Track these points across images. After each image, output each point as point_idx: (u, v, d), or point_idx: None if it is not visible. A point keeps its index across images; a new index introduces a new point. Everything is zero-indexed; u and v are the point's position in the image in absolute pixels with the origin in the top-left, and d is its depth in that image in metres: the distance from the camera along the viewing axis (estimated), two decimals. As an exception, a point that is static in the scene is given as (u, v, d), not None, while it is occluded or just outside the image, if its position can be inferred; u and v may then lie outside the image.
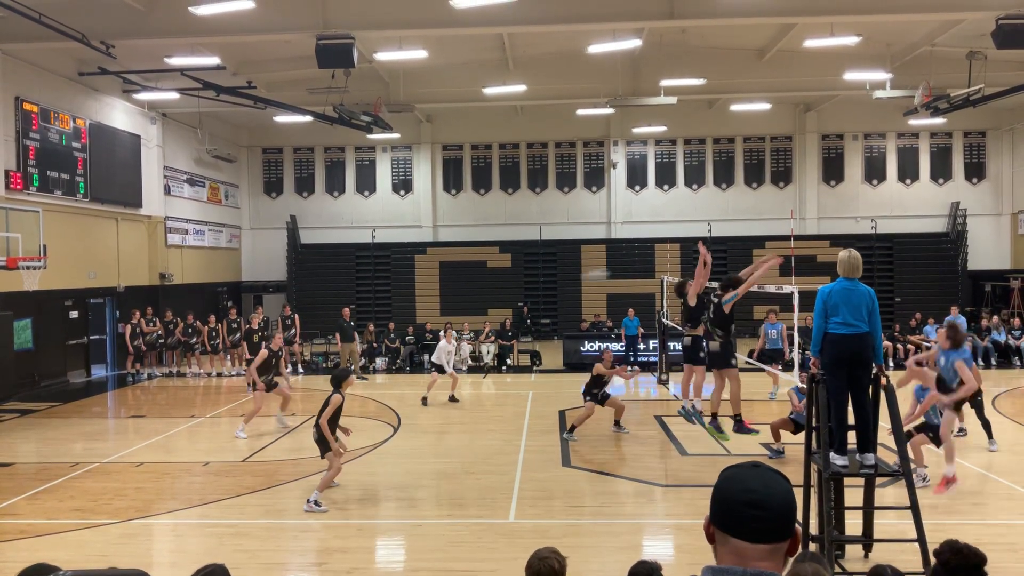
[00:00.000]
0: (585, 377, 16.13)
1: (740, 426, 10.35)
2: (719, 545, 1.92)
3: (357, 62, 17.11)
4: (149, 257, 24.00)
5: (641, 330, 21.73)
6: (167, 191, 24.91)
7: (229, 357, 21.68)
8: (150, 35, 17.18)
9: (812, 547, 7.28)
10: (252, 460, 11.73)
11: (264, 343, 15.76)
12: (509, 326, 23.15)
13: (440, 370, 16.55)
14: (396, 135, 26.33)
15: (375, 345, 22.50)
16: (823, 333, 7.03)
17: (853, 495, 7.58)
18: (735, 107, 26.84)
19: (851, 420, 7.14)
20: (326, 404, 9.39)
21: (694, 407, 11.09)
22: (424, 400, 16.12)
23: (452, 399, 16.37)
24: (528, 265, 29.42)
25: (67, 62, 19.78)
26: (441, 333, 17.91)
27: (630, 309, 22.20)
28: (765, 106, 26.44)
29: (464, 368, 21.39)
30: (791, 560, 2.04)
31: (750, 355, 19.46)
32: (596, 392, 13.08)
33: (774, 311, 15.71)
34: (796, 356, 9.93)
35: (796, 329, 10.02)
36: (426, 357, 22.43)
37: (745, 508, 1.86)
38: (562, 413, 14.92)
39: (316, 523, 8.84)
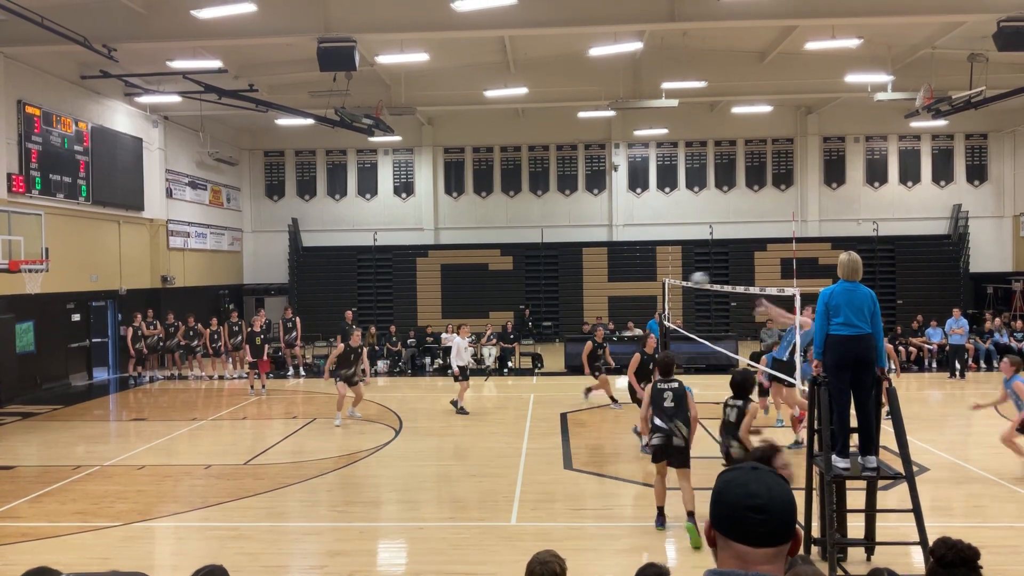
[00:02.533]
0: (587, 380, 16.14)
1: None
2: (721, 550, 1.91)
3: (358, 65, 17.12)
4: (151, 260, 24.03)
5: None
6: (169, 194, 24.94)
7: (231, 360, 21.69)
8: (152, 38, 17.21)
9: (815, 550, 7.28)
10: (254, 463, 11.73)
11: (340, 339, 16.13)
12: (511, 329, 23.14)
13: (462, 373, 15.51)
14: (397, 138, 26.37)
15: (377, 348, 22.49)
16: (825, 335, 7.03)
17: (855, 497, 7.57)
18: (736, 109, 26.86)
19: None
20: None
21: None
22: (461, 408, 15.34)
23: (453, 405, 15.67)
24: (530, 268, 29.42)
25: (69, 65, 19.83)
26: (450, 332, 17.74)
27: (657, 312, 21.84)
28: (766, 108, 26.45)
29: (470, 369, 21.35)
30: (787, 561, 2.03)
31: (753, 357, 19.42)
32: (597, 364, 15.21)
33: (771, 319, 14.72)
34: (798, 359, 9.90)
35: (797, 332, 9.98)
36: (429, 360, 22.45)
37: (748, 512, 1.86)
38: (564, 416, 14.91)
39: (318, 526, 8.84)
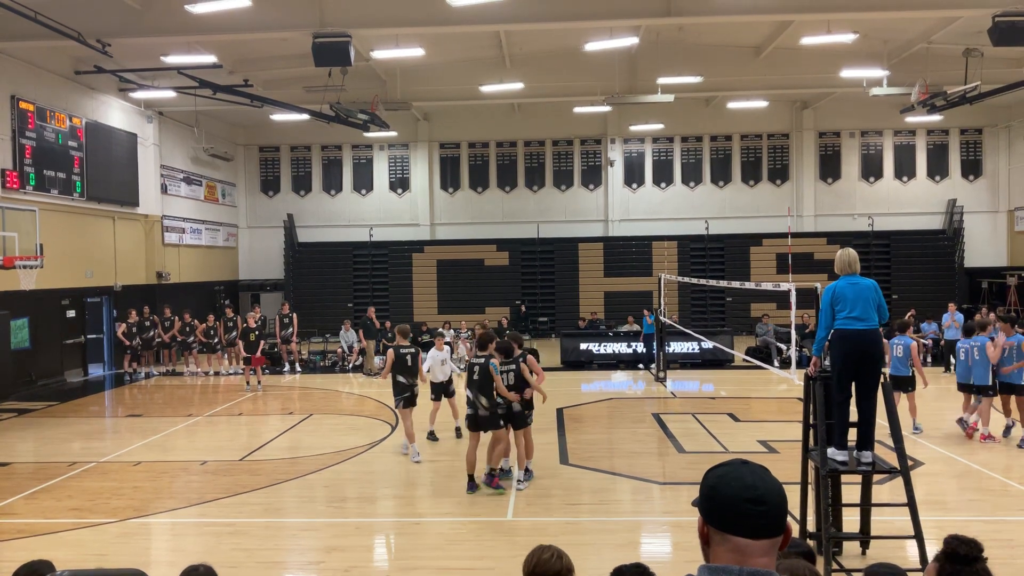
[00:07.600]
0: (583, 375, 16.12)
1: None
2: (716, 545, 1.92)
3: (354, 60, 17.07)
4: (146, 256, 23.97)
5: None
6: (164, 190, 24.87)
7: (226, 356, 21.66)
8: (146, 33, 17.14)
9: (810, 543, 7.29)
10: (250, 459, 11.73)
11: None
12: (506, 324, 23.14)
13: (439, 392, 12.89)
14: (393, 133, 26.33)
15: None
16: (829, 332, 7.02)
17: (850, 492, 7.59)
18: (732, 105, 26.85)
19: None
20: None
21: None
22: (431, 434, 12.86)
23: (458, 432, 12.91)
24: (525, 263, 29.43)
25: (63, 61, 19.74)
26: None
27: (644, 310, 21.69)
28: (762, 104, 26.45)
29: (462, 367, 21.34)
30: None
31: (750, 352, 19.44)
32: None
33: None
34: (793, 353, 9.94)
35: (792, 326, 10.03)
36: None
37: (748, 505, 1.87)
38: (560, 411, 14.93)
39: (314, 522, 8.84)
